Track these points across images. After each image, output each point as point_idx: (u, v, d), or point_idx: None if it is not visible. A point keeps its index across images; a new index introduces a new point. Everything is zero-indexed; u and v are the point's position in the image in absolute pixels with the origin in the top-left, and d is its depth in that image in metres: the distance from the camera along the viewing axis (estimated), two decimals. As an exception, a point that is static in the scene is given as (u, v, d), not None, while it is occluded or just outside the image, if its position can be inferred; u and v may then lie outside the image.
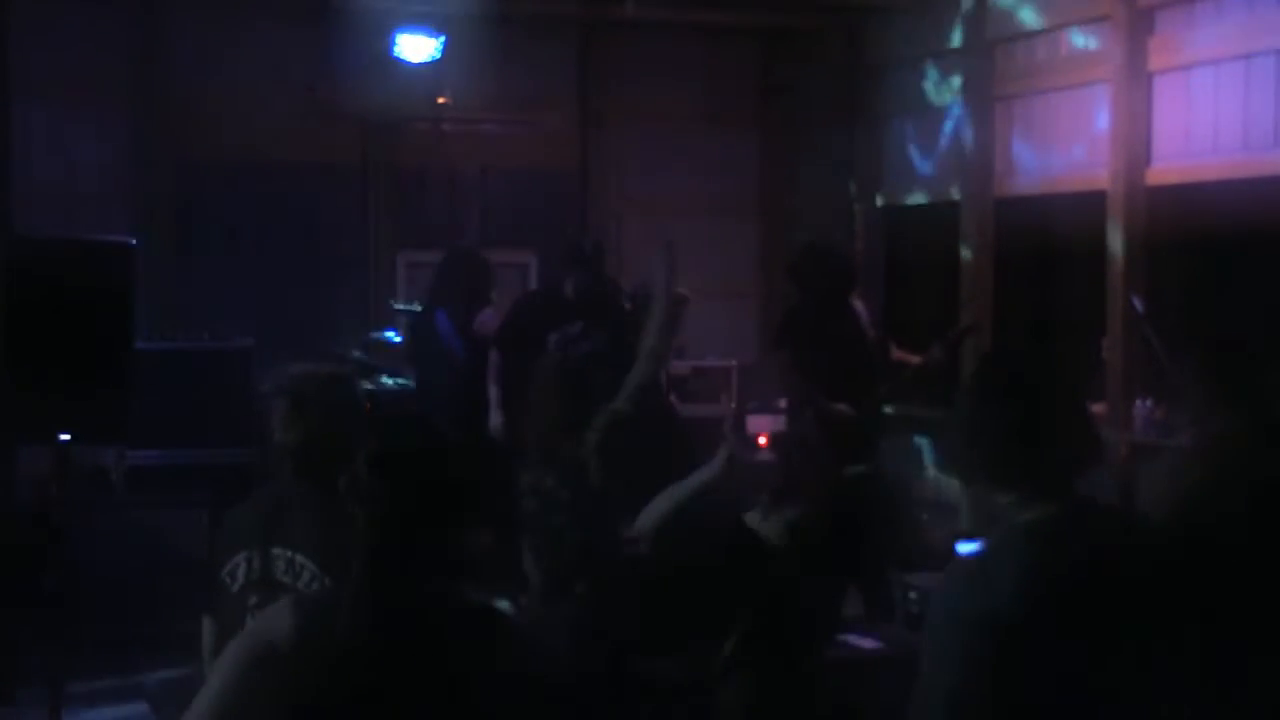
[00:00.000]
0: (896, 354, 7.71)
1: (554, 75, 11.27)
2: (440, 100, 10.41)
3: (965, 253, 9.51)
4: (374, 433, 2.64)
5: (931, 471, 9.41)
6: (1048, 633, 2.44)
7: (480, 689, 2.51)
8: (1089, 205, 8.44)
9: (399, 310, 9.76)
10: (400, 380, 8.98)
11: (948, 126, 9.93)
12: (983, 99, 9.42)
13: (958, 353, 7.82)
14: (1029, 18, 9.06)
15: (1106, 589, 2.47)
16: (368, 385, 8.82)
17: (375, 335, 9.73)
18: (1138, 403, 8.00)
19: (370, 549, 2.54)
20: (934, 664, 2.49)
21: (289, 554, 3.48)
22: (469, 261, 8.50)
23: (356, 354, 9.33)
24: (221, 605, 3.55)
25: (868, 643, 4.97)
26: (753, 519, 4.13)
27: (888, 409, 7.90)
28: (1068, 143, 8.89)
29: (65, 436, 5.13)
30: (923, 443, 9.39)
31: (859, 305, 7.71)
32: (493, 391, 7.79)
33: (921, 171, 10.28)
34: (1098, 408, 8.51)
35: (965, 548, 2.67)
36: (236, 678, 2.51)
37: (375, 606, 2.50)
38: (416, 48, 10.01)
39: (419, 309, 8.71)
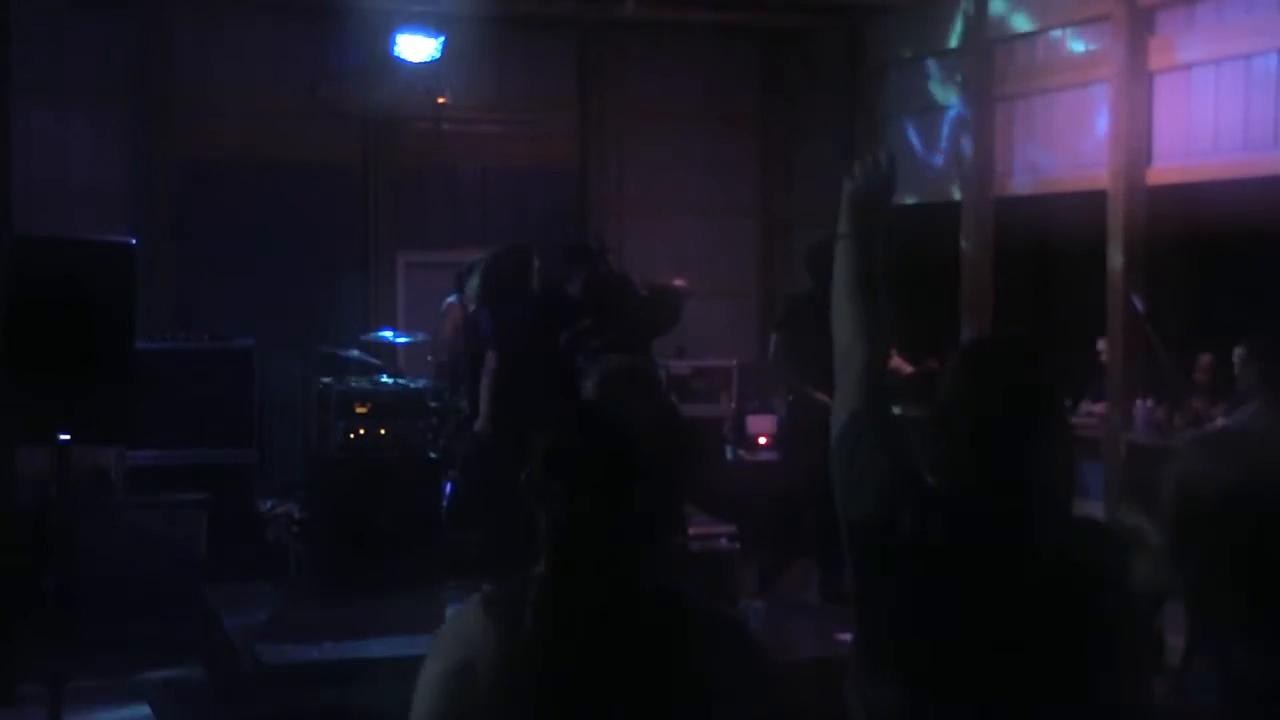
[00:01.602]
0: (894, 360, 7.67)
1: (554, 75, 11.28)
2: (440, 100, 10.41)
3: (965, 252, 9.51)
4: (548, 429, 2.60)
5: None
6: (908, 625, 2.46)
7: (674, 681, 2.47)
8: (1089, 205, 8.44)
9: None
10: (400, 380, 8.98)
11: (948, 126, 9.93)
12: (983, 99, 9.42)
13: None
14: (1029, 18, 9.06)
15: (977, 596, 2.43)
16: (367, 385, 8.83)
17: (375, 335, 9.73)
18: (1138, 403, 8.01)
19: (553, 547, 2.51)
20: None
21: None
22: (503, 259, 8.50)
23: (355, 354, 9.33)
24: None
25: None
26: None
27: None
28: (1068, 143, 8.89)
29: (65, 436, 5.13)
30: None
31: None
32: (483, 394, 7.75)
33: (922, 171, 10.27)
34: (1097, 408, 8.52)
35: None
36: (441, 693, 2.49)
37: (559, 604, 2.47)
38: (416, 47, 10.02)
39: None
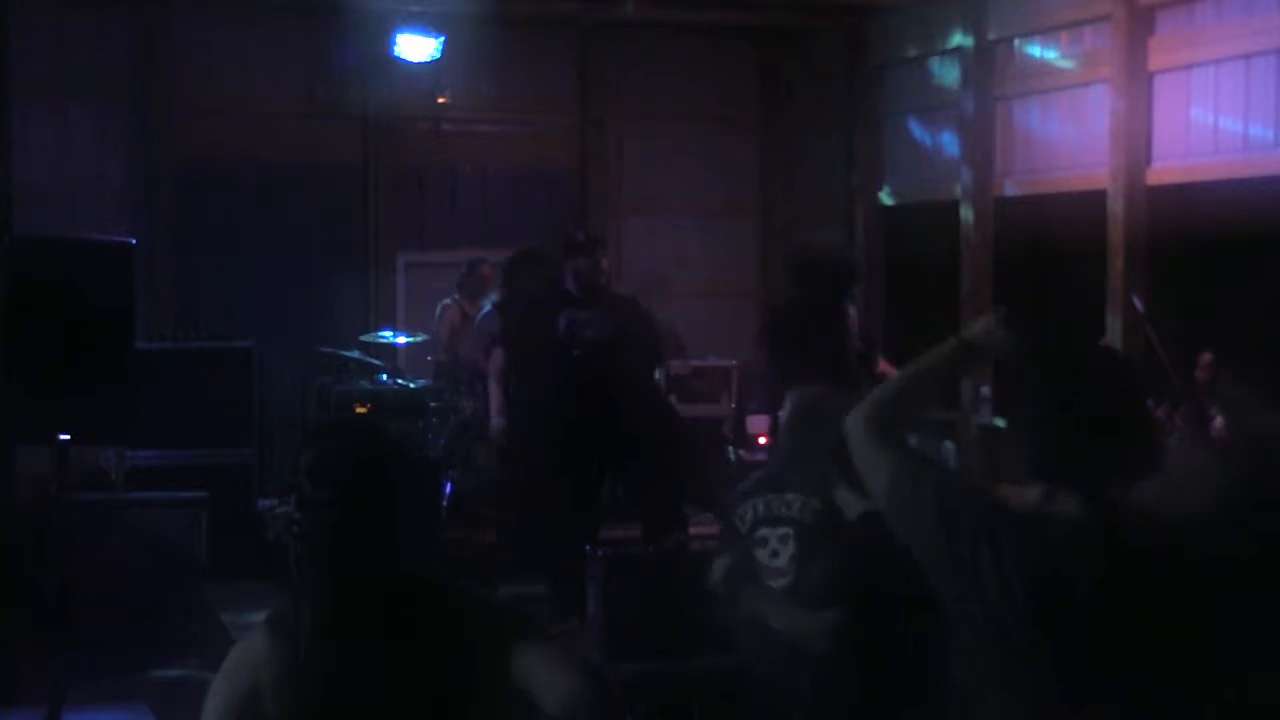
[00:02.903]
0: (882, 366, 7.63)
1: (554, 75, 11.28)
2: (440, 100, 10.42)
3: (965, 253, 9.51)
4: (309, 442, 2.65)
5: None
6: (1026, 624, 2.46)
7: (447, 675, 2.51)
8: (1089, 205, 8.44)
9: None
10: (400, 380, 8.98)
11: (948, 126, 9.93)
12: (983, 99, 9.42)
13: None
14: (1029, 18, 9.06)
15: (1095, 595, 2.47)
16: (367, 385, 8.83)
17: (374, 335, 9.73)
18: (1138, 403, 7.99)
19: (320, 554, 2.56)
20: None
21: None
22: (520, 262, 8.54)
23: (355, 354, 9.33)
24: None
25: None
26: None
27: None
28: (1068, 143, 8.89)
29: (65, 436, 5.13)
30: (949, 446, 9.28)
31: (852, 313, 7.63)
32: (494, 392, 7.77)
33: (922, 171, 10.28)
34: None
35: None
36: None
37: (327, 617, 2.51)
38: (416, 47, 10.01)
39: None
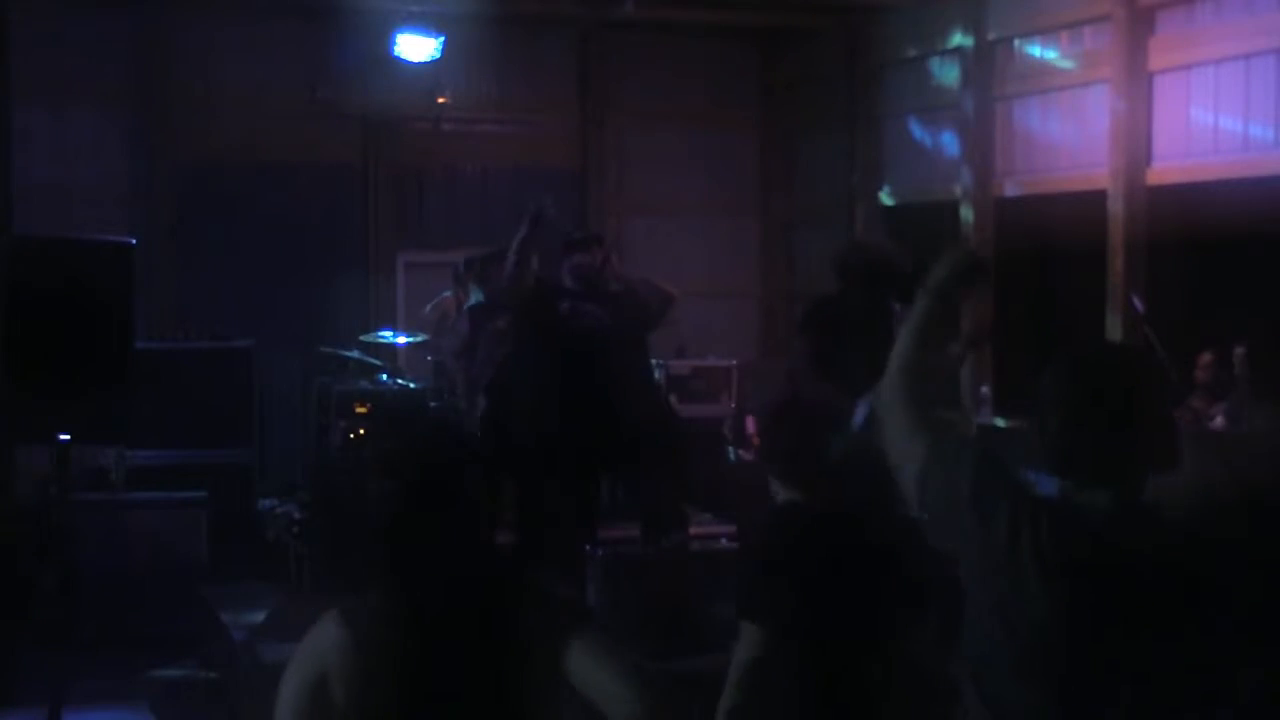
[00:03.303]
0: None
1: (554, 75, 11.28)
2: (440, 100, 10.42)
3: (965, 252, 9.50)
4: (380, 436, 2.71)
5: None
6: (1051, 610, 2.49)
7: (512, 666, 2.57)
8: (1089, 205, 8.44)
9: None
10: (400, 380, 8.98)
11: (947, 126, 9.93)
12: (983, 99, 9.42)
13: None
14: (1029, 18, 9.06)
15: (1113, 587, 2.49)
16: (367, 385, 8.83)
17: (374, 335, 9.73)
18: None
19: (391, 549, 2.61)
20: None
21: None
22: (494, 261, 8.52)
23: (355, 354, 9.33)
24: None
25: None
26: None
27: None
28: (1068, 143, 8.89)
29: (65, 436, 5.12)
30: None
31: (895, 308, 7.59)
32: (457, 372, 7.82)
33: (921, 171, 10.28)
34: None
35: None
36: (297, 710, 2.59)
37: (400, 608, 2.57)
38: (416, 47, 10.01)
39: None
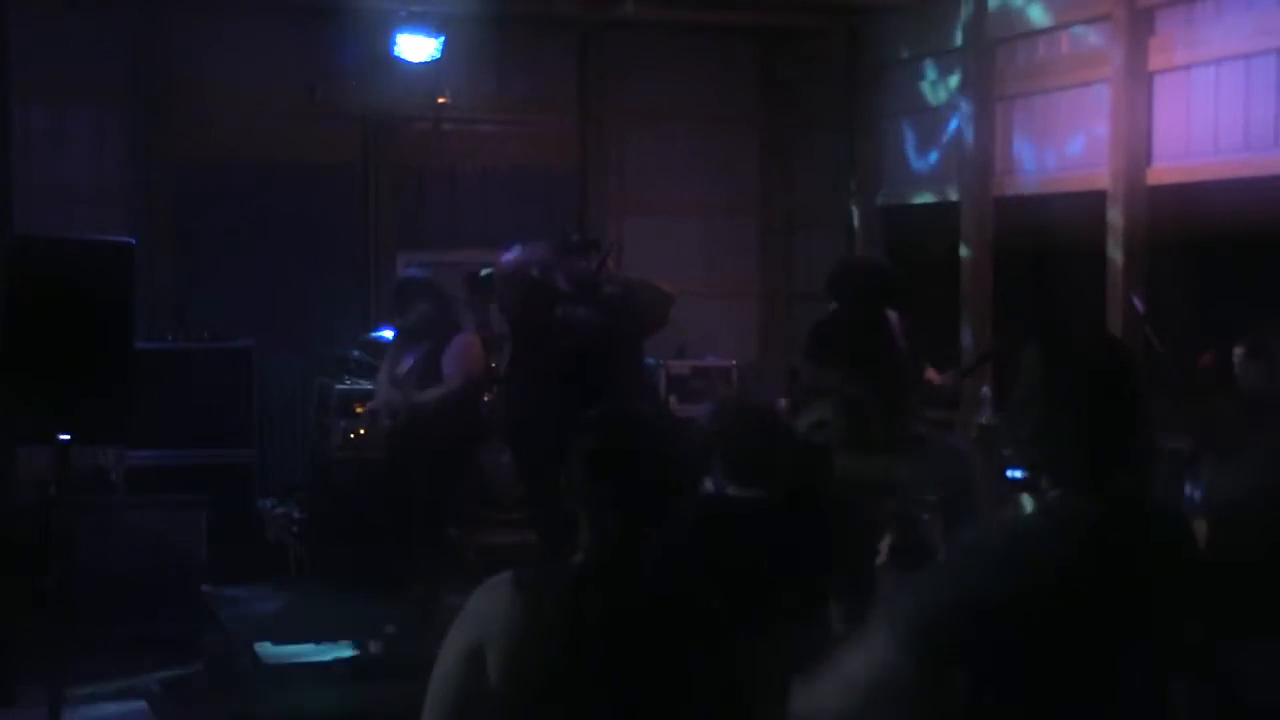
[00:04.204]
0: (929, 372, 7.57)
1: (554, 75, 11.27)
2: (440, 100, 10.41)
3: (965, 252, 9.51)
4: (586, 432, 2.68)
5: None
6: (1036, 620, 2.43)
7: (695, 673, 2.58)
8: (1089, 205, 8.44)
9: None
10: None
11: (948, 126, 9.92)
12: (983, 99, 9.42)
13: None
14: (1029, 17, 9.05)
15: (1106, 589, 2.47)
16: (367, 385, 8.83)
17: (375, 335, 9.73)
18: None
19: (600, 545, 2.61)
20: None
21: None
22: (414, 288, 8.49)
23: (356, 354, 9.33)
24: None
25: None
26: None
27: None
28: (1068, 143, 8.89)
29: (65, 436, 5.13)
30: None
31: (893, 316, 7.61)
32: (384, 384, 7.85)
33: (921, 171, 10.27)
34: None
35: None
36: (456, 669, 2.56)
37: (591, 596, 2.57)
38: (416, 47, 10.01)
39: None
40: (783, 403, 8.47)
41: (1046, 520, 2.51)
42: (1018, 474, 2.62)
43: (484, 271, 9.69)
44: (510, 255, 7.85)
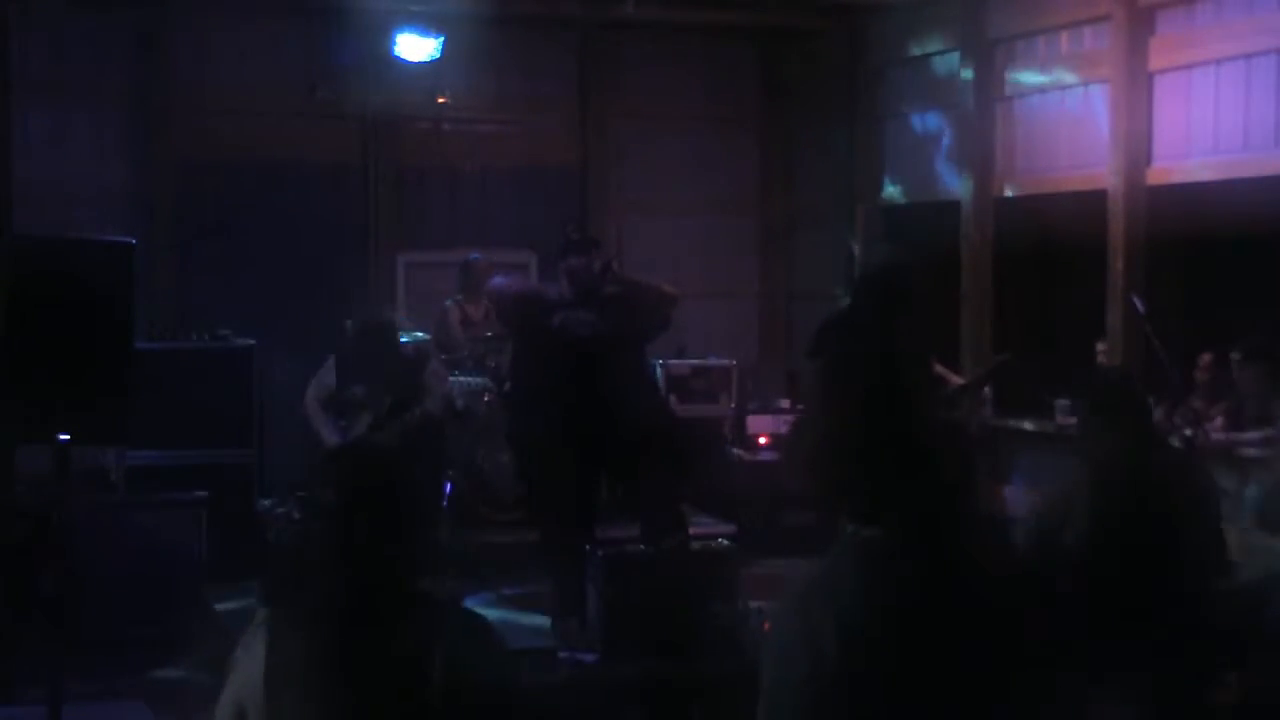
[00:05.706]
0: (937, 369, 7.54)
1: (554, 75, 11.27)
2: (440, 100, 10.41)
3: (965, 253, 9.51)
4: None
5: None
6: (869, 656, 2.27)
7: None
8: (1089, 205, 8.44)
9: None
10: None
11: (948, 126, 9.93)
12: (983, 99, 9.42)
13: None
14: (1029, 18, 9.06)
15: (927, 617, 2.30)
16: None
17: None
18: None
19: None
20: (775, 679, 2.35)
21: None
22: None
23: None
24: None
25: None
26: None
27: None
28: (1068, 142, 8.89)
29: (65, 436, 5.12)
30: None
31: (903, 322, 7.55)
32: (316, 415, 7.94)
33: (921, 171, 10.28)
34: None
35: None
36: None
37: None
38: (416, 47, 10.01)
39: None
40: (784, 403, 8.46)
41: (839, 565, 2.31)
42: None
43: (473, 255, 9.76)
44: (500, 280, 7.90)
